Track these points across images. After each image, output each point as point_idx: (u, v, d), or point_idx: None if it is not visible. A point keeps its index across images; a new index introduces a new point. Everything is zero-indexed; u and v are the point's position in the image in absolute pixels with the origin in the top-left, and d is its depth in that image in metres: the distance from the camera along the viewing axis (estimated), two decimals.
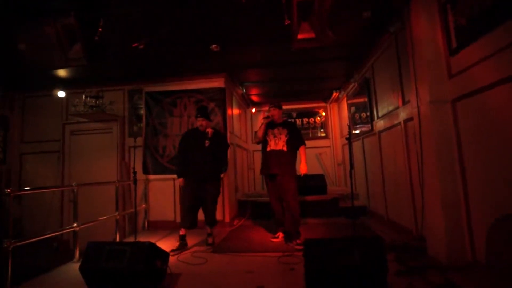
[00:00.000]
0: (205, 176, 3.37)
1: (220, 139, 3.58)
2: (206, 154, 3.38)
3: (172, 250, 3.18)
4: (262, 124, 3.55)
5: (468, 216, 2.41)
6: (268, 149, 3.50)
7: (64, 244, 4.58)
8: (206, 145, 3.37)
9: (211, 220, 3.44)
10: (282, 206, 3.48)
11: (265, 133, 3.54)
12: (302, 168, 3.43)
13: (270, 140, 3.50)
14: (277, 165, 3.38)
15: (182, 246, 3.33)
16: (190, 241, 3.51)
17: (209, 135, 3.40)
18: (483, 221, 2.23)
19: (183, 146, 3.52)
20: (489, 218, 2.14)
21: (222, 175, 4.57)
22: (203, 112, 3.50)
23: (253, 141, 3.72)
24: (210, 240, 3.50)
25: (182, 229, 3.38)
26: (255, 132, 3.76)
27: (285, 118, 3.77)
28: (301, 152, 3.50)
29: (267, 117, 3.53)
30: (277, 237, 3.54)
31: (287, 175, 3.35)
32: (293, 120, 7.10)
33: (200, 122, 3.42)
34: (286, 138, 3.44)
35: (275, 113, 3.56)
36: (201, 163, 3.36)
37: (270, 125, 3.57)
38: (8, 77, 4.65)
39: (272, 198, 3.56)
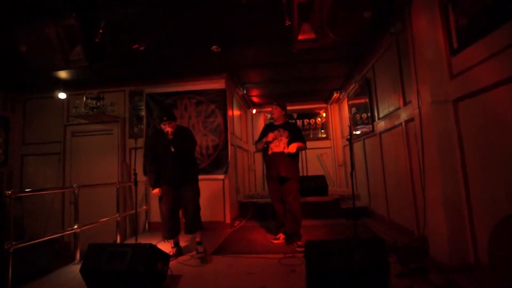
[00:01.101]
0: (180, 180, 3.11)
1: (183, 137, 3.15)
2: (174, 159, 3.07)
3: (172, 257, 3.03)
4: (263, 141, 3.46)
5: (470, 217, 2.39)
6: (270, 152, 3.46)
7: (65, 245, 4.58)
8: (172, 150, 3.03)
9: (193, 226, 3.15)
10: (284, 208, 3.46)
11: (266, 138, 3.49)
12: (289, 147, 3.29)
13: (271, 143, 3.47)
14: (280, 168, 3.35)
15: (179, 252, 3.22)
16: (182, 243, 3.41)
17: (169, 135, 3.01)
18: (486, 222, 2.22)
19: (153, 154, 3.19)
20: (492, 219, 2.13)
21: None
22: (169, 115, 3.09)
23: (254, 146, 3.67)
24: (200, 249, 3.17)
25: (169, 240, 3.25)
26: (256, 142, 3.70)
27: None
28: (297, 144, 3.32)
29: (270, 141, 3.42)
30: (278, 239, 3.52)
31: (290, 177, 3.33)
32: (294, 121, 7.10)
33: (167, 128, 3.02)
34: (287, 140, 3.40)
35: (276, 112, 3.54)
36: (172, 169, 3.09)
37: (271, 127, 3.56)
38: (10, 79, 4.67)
39: (275, 200, 3.53)
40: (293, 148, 3.29)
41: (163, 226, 3.17)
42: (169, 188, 3.13)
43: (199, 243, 3.23)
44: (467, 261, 2.38)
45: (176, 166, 3.09)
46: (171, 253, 3.05)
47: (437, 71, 2.59)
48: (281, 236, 3.53)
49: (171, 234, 3.17)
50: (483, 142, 2.21)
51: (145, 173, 3.18)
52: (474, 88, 2.23)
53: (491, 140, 2.13)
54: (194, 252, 3.20)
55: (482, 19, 2.09)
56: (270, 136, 3.41)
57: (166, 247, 3.28)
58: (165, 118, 3.03)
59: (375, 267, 1.95)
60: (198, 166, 3.56)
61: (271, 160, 3.43)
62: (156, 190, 3.15)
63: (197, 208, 3.19)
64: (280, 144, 3.42)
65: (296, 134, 3.46)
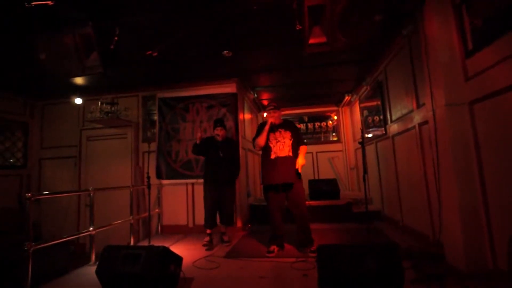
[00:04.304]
0: (223, 181, 3.76)
1: (231, 147, 3.97)
2: (221, 162, 3.77)
3: (204, 245, 3.64)
4: (264, 130, 3.23)
5: (488, 221, 2.33)
6: (273, 156, 3.19)
7: (80, 247, 4.69)
8: (221, 155, 3.76)
9: (228, 220, 3.87)
10: (294, 215, 3.24)
11: (267, 139, 3.26)
12: (299, 161, 3.13)
13: (274, 146, 3.22)
14: (287, 174, 3.11)
15: (210, 242, 3.70)
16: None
17: (219, 138, 3.81)
18: (504, 226, 2.15)
19: (205, 148, 3.82)
20: (511, 224, 2.07)
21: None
22: (222, 124, 3.89)
23: (255, 149, 3.51)
24: (226, 238, 3.84)
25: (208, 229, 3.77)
26: (253, 139, 3.36)
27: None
28: (301, 150, 3.24)
29: (271, 124, 3.23)
30: (273, 252, 3.20)
31: (298, 183, 3.19)
32: (301, 121, 7.10)
33: (217, 132, 3.82)
34: (291, 142, 3.23)
35: (276, 114, 3.30)
36: (218, 170, 3.74)
37: (270, 128, 3.27)
38: (29, 86, 4.84)
39: (275, 208, 3.25)
40: (303, 160, 3.16)
41: (205, 217, 3.78)
42: (212, 186, 3.75)
43: (224, 233, 3.89)
44: (485, 267, 2.31)
45: (222, 168, 3.76)
46: (204, 242, 3.66)
47: (451, 73, 2.55)
48: (275, 248, 3.24)
49: (211, 225, 3.75)
50: (500, 145, 2.16)
51: (193, 152, 3.96)
52: (490, 90, 2.18)
53: (509, 143, 2.07)
54: (219, 246, 3.73)
55: (498, 20, 2.05)
56: (269, 119, 3.23)
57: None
58: (218, 125, 3.84)
59: (389, 272, 1.92)
60: (236, 173, 4.23)
61: (275, 166, 3.16)
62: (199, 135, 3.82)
63: (232, 208, 3.93)
64: (283, 148, 3.20)
65: (298, 135, 3.32)
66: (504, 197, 2.15)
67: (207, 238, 3.70)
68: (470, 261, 2.35)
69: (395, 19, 3.12)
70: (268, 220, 3.35)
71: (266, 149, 3.27)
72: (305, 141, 3.46)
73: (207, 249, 3.56)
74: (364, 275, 1.91)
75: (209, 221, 3.73)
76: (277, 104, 3.38)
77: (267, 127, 3.23)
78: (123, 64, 3.95)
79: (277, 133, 3.27)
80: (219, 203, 3.76)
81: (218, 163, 3.76)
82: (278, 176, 3.14)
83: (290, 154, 3.21)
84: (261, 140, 3.23)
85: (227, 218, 3.83)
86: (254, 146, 3.39)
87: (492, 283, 2.17)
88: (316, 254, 2.13)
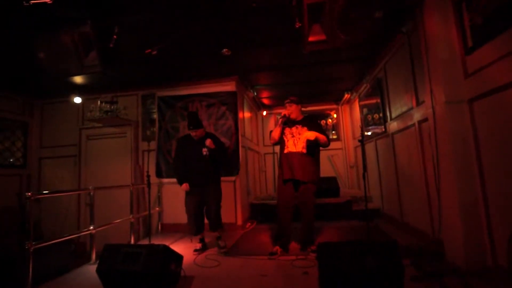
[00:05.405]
0: (206, 181, 3.37)
1: (216, 144, 3.40)
2: (204, 161, 3.36)
3: (195, 250, 3.41)
4: (278, 124, 3.16)
5: (487, 219, 2.33)
6: (286, 151, 3.11)
7: (81, 246, 4.69)
8: (204, 153, 3.34)
9: (215, 225, 3.43)
10: (301, 213, 3.16)
11: (282, 133, 3.17)
12: (306, 133, 2.98)
13: (288, 141, 3.13)
14: (299, 170, 3.01)
15: (204, 247, 3.50)
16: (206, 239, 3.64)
17: (197, 138, 3.37)
18: (504, 223, 2.16)
19: (182, 155, 3.47)
20: (510, 221, 2.07)
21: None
22: (194, 122, 3.35)
23: (270, 142, 3.42)
24: (222, 244, 3.45)
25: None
26: (270, 132, 3.28)
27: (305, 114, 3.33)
28: (319, 134, 2.98)
29: (284, 116, 3.11)
30: (276, 253, 3.09)
31: (310, 182, 3.06)
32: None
33: (193, 133, 3.37)
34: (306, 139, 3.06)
35: (292, 109, 3.16)
36: (201, 170, 3.36)
37: (287, 123, 3.18)
38: (29, 85, 4.83)
39: (283, 205, 3.13)
40: (311, 134, 2.91)
41: (189, 224, 3.43)
42: (194, 189, 3.38)
43: (219, 237, 3.50)
44: (485, 264, 2.32)
45: (205, 168, 3.36)
46: (197, 248, 3.42)
47: (451, 71, 2.54)
48: (278, 249, 3.13)
49: (196, 231, 3.43)
50: (500, 142, 2.16)
51: (175, 171, 3.61)
52: (490, 87, 2.18)
53: (508, 141, 2.07)
54: (216, 248, 3.48)
55: (498, 17, 2.05)
56: (284, 117, 3.09)
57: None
58: (191, 127, 3.33)
59: (389, 270, 1.92)
60: (221, 168, 3.71)
61: (286, 160, 3.09)
62: (185, 185, 3.38)
63: (218, 208, 3.45)
64: (297, 143, 3.08)
65: (317, 130, 3.05)
66: (504, 194, 2.15)
67: (198, 245, 3.45)
68: (470, 259, 2.36)
69: (395, 16, 3.11)
70: (276, 217, 3.23)
71: (282, 143, 3.20)
72: (328, 136, 3.14)
73: (198, 253, 3.33)
74: (364, 273, 1.92)
75: (194, 228, 3.40)
76: (295, 98, 3.22)
77: (280, 120, 3.14)
78: (122, 63, 3.94)
79: (294, 128, 3.16)
80: (203, 206, 3.44)
81: (195, 164, 3.36)
82: (289, 172, 3.06)
83: (304, 151, 3.05)
84: (275, 134, 3.16)
85: (215, 222, 3.42)
86: (270, 138, 3.30)
87: (492, 280, 2.17)
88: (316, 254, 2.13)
